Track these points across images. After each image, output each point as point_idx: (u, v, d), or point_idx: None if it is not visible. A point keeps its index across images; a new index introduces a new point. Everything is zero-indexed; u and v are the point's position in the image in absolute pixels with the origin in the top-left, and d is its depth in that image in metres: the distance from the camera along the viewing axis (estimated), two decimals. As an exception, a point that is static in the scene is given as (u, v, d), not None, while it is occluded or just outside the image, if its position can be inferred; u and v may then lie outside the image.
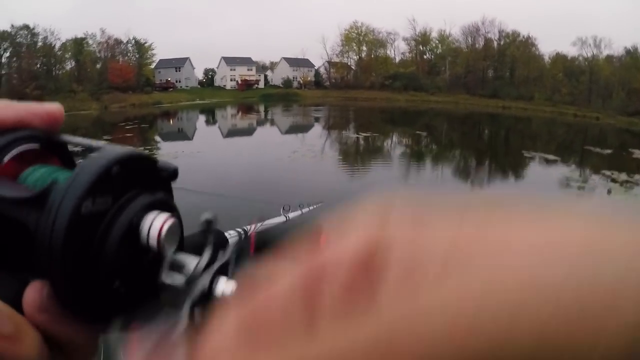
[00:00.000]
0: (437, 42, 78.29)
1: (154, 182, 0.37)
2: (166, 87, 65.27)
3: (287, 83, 73.79)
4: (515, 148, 27.72)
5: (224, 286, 0.33)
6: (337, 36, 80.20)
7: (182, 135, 27.37)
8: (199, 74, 77.00)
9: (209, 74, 77.03)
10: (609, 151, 26.67)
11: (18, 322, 0.31)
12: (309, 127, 32.24)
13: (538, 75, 69.57)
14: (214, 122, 38.70)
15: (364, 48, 78.09)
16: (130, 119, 32.08)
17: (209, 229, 0.34)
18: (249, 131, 30.80)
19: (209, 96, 61.47)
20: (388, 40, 79.45)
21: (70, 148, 0.43)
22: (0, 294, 0.32)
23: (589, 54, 68.83)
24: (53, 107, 0.43)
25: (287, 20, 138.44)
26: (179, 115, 41.49)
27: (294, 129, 30.71)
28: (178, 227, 0.34)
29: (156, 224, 0.33)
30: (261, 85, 73.49)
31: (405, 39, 79.38)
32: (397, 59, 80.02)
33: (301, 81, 74.99)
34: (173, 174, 0.39)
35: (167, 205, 0.37)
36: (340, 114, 45.39)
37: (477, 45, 74.51)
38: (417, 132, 30.41)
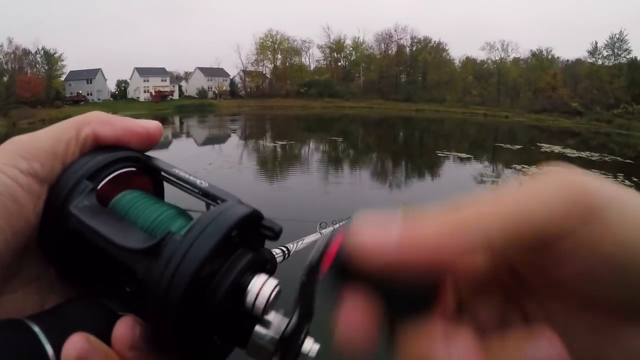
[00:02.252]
0: (351, 49, 79.36)
1: (260, 240, 0.38)
2: (77, 100, 61.52)
3: (202, 93, 72.06)
4: (430, 148, 27.97)
5: (311, 347, 0.34)
6: (252, 45, 79.72)
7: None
8: (112, 86, 73.35)
9: (122, 85, 73.67)
10: (519, 146, 27.38)
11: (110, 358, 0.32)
12: (226, 138, 31.34)
13: (449, 79, 71.86)
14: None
15: (279, 56, 77.89)
16: None
17: (302, 292, 0.32)
18: (164, 144, 29.34)
19: (122, 109, 58.57)
20: (303, 48, 79.87)
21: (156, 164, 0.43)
22: (87, 323, 0.33)
23: (497, 57, 72.01)
24: (153, 127, 0.43)
25: (201, 29, 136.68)
26: (90, 131, 39.49)
27: (210, 141, 29.75)
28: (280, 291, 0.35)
29: (265, 289, 0.34)
30: (176, 96, 71.07)
31: (319, 47, 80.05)
32: (312, 67, 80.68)
33: (216, 91, 73.44)
34: (278, 234, 0.38)
35: (271, 265, 0.37)
36: (257, 123, 44.72)
37: (390, 52, 76.02)
38: (333, 137, 30.15)
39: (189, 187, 0.41)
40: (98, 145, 0.40)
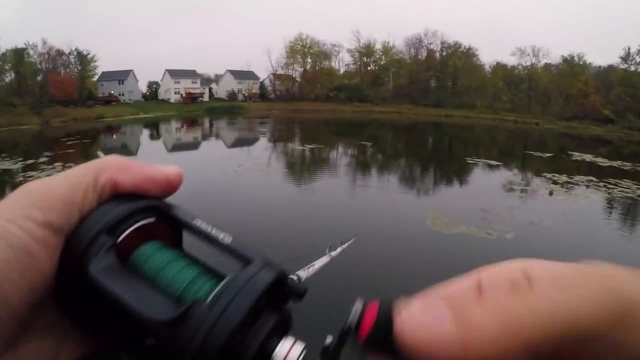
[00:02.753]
0: (380, 53, 79.37)
1: (283, 300, 0.37)
2: (109, 100, 62.63)
3: (232, 96, 72.85)
4: (459, 155, 27.85)
5: None
6: (282, 48, 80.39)
7: (126, 150, 26.23)
8: (143, 87, 74.64)
9: (153, 87, 74.85)
10: (549, 154, 27.14)
11: None
12: (255, 141, 31.61)
13: (479, 84, 71.15)
14: (158, 136, 37.51)
15: (309, 60, 78.21)
16: (72, 134, 30.61)
17: (333, 354, 0.32)
18: (194, 145, 29.91)
19: (152, 110, 59.73)
20: (332, 52, 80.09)
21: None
22: None
23: (528, 63, 71.18)
24: (172, 173, 0.42)
25: (231, 32, 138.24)
26: (122, 130, 40.02)
27: (240, 143, 30.01)
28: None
29: (292, 356, 0.33)
30: (206, 98, 72.05)
31: (349, 51, 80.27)
32: (342, 71, 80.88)
33: (246, 94, 74.15)
34: (302, 295, 0.38)
35: (290, 324, 0.37)
36: (286, 126, 44.96)
37: (419, 56, 75.86)
38: (362, 142, 30.23)
39: (210, 240, 0.40)
40: (116, 193, 0.39)
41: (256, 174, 16.61)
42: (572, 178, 18.07)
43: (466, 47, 74.42)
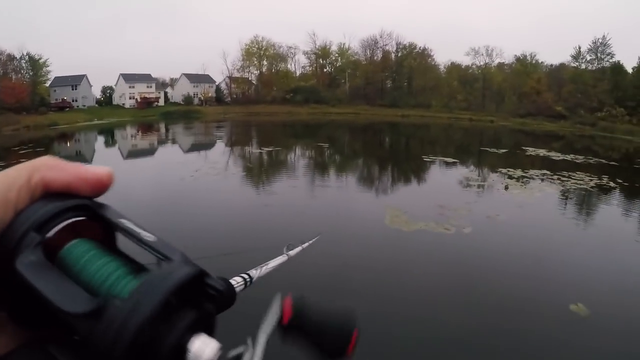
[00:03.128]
0: (336, 55, 79.80)
1: (200, 297, 0.38)
2: (62, 106, 60.33)
3: (188, 100, 71.87)
4: (416, 153, 28.06)
5: None
6: (238, 51, 79.64)
7: (80, 158, 25.43)
8: (97, 92, 72.78)
9: (107, 92, 73.08)
10: (504, 150, 27.61)
11: None
12: (211, 145, 31.17)
13: (434, 84, 72.21)
14: (114, 143, 36.60)
15: (265, 62, 78.15)
16: (24, 142, 29.55)
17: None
18: (150, 151, 29.27)
19: (107, 115, 58.25)
20: (289, 54, 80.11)
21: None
22: None
23: (482, 63, 72.71)
24: (103, 173, 0.42)
25: (187, 35, 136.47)
26: (76, 137, 38.87)
27: (196, 147, 29.58)
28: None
29: (207, 351, 0.34)
30: (161, 102, 70.67)
31: (305, 53, 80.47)
32: (298, 73, 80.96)
33: (202, 97, 73.23)
34: (222, 293, 0.39)
35: (211, 323, 0.38)
36: (243, 129, 44.61)
37: (375, 58, 76.52)
38: (320, 143, 30.21)
39: (135, 240, 0.41)
40: (47, 192, 0.40)
41: (213, 178, 16.36)
42: (527, 172, 18.35)
43: (421, 48, 75.62)
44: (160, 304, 0.33)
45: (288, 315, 0.33)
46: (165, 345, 0.33)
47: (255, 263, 1.03)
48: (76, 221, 0.40)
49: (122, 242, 0.43)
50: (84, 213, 0.41)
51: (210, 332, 0.37)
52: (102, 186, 0.42)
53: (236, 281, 0.69)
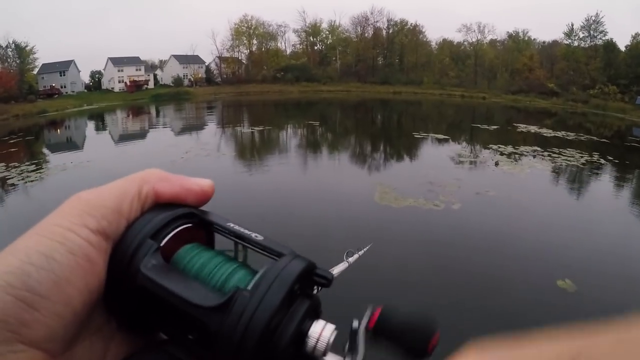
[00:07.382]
0: (327, 32, 78.88)
1: (312, 286, 0.42)
2: (51, 93, 59.20)
3: (178, 81, 71.07)
4: (407, 130, 28.02)
5: None
6: (227, 30, 78.90)
7: (72, 144, 25.19)
8: (85, 78, 71.35)
9: (96, 76, 71.94)
10: (495, 127, 27.57)
11: None
12: (203, 126, 31.01)
13: (426, 61, 71.85)
14: (104, 127, 36.27)
15: (255, 41, 77.01)
16: (14, 132, 29.18)
17: (354, 338, 0.38)
18: (141, 135, 29.02)
19: (97, 100, 57.41)
20: (278, 32, 79.04)
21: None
22: None
23: (474, 39, 72.16)
24: (206, 185, 0.47)
25: (174, 16, 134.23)
26: (66, 124, 38.51)
27: (187, 129, 29.36)
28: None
29: (325, 334, 0.37)
30: (151, 85, 69.79)
31: (295, 31, 79.45)
32: (288, 51, 79.91)
33: (192, 79, 72.48)
34: (330, 281, 0.41)
35: (320, 309, 0.41)
36: (234, 109, 44.42)
37: (366, 35, 75.69)
38: (311, 122, 30.05)
39: (247, 241, 0.44)
40: (157, 203, 0.44)
41: (204, 159, 16.33)
42: (518, 149, 18.33)
43: (412, 25, 74.78)
44: (286, 294, 0.36)
45: (374, 320, 0.36)
46: (288, 332, 0.36)
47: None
48: (184, 228, 0.44)
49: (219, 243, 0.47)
50: (192, 220, 0.44)
51: (320, 317, 0.40)
52: (206, 196, 0.46)
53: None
